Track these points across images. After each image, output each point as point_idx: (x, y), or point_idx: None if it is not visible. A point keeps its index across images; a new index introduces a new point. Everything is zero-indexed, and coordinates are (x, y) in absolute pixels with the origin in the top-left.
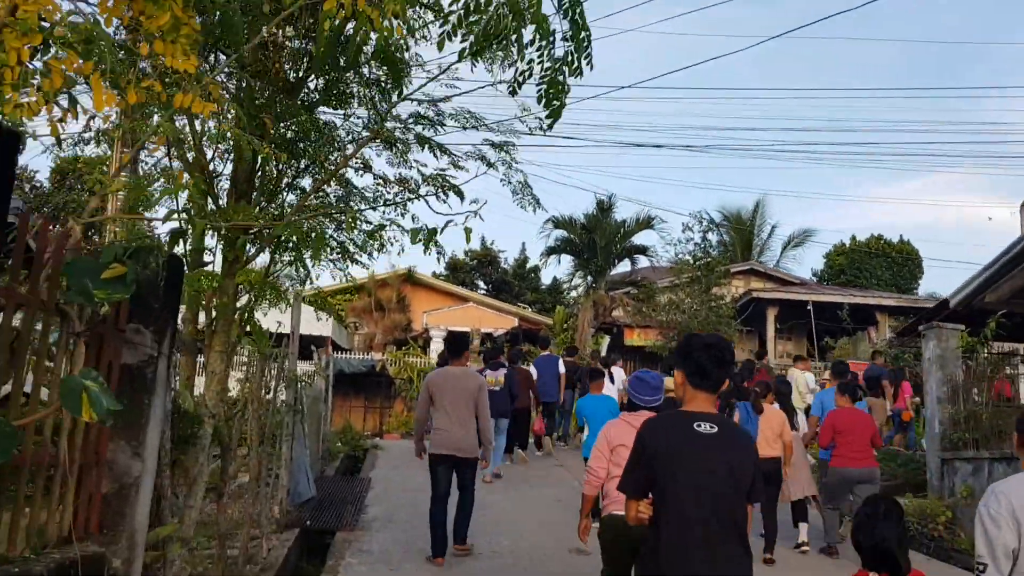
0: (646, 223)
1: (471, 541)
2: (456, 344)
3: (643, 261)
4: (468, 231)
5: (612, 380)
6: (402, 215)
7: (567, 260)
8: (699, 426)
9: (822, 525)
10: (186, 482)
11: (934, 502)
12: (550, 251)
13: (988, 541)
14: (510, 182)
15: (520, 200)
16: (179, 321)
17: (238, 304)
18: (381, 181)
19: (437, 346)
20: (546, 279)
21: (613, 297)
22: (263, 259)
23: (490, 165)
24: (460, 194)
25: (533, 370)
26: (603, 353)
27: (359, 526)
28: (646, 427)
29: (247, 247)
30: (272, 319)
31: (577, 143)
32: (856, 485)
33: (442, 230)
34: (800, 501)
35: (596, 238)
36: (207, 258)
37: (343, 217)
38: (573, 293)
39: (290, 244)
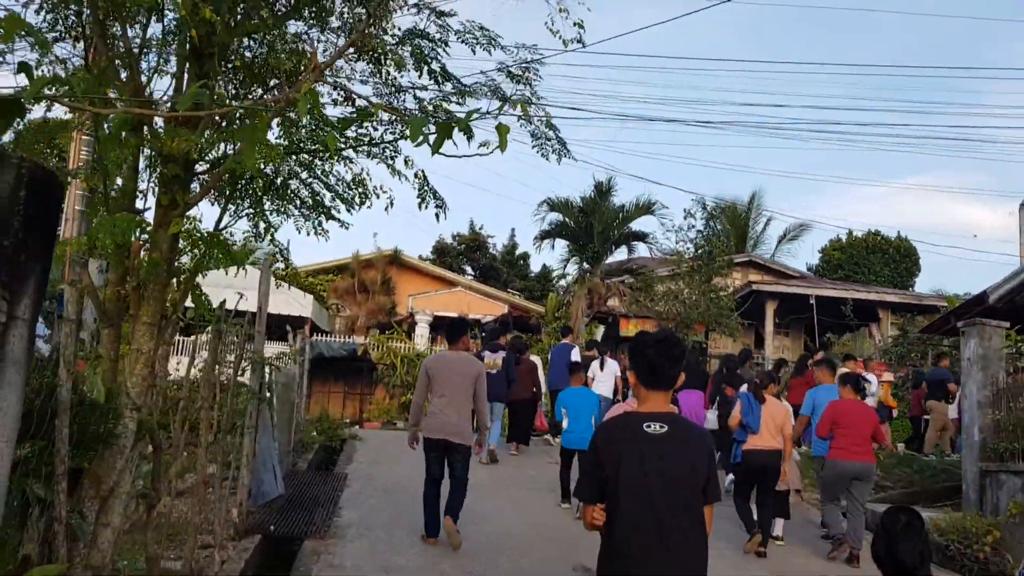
0: (646, 208)
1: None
2: (455, 329)
3: (642, 249)
4: (504, 132)
5: (602, 368)
6: (392, 158)
7: (561, 245)
8: (648, 427)
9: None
10: (98, 495)
11: (976, 519)
12: (544, 235)
13: None
14: (530, 121)
15: (541, 147)
16: (84, 277)
17: (182, 265)
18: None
19: (423, 331)
20: (535, 266)
21: (609, 285)
22: (212, 213)
23: (505, 100)
24: (468, 132)
25: (537, 360)
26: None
27: (331, 532)
28: (598, 433)
29: (189, 184)
30: (233, 290)
31: (581, 116)
32: (852, 481)
33: (468, 120)
34: (783, 494)
35: (593, 222)
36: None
37: (315, 158)
38: (563, 281)
39: (247, 187)
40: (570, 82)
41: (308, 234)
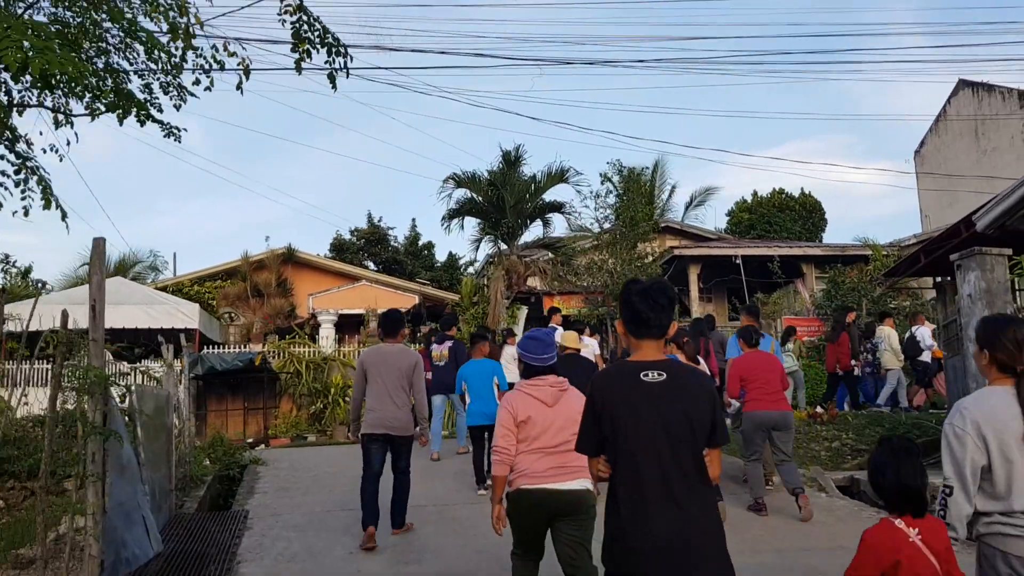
0: (559, 176)
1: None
2: (391, 321)
3: (559, 223)
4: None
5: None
6: None
7: (472, 225)
8: (647, 375)
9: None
10: None
11: None
12: (452, 214)
13: (955, 460)
14: None
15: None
16: None
17: None
18: None
19: (328, 332)
20: (441, 255)
21: (528, 263)
22: None
23: None
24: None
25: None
26: (520, 327)
27: None
28: (594, 384)
29: None
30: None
31: (488, 65)
32: (772, 431)
33: None
34: None
35: (505, 195)
36: None
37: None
38: (472, 269)
39: None
40: (473, 25)
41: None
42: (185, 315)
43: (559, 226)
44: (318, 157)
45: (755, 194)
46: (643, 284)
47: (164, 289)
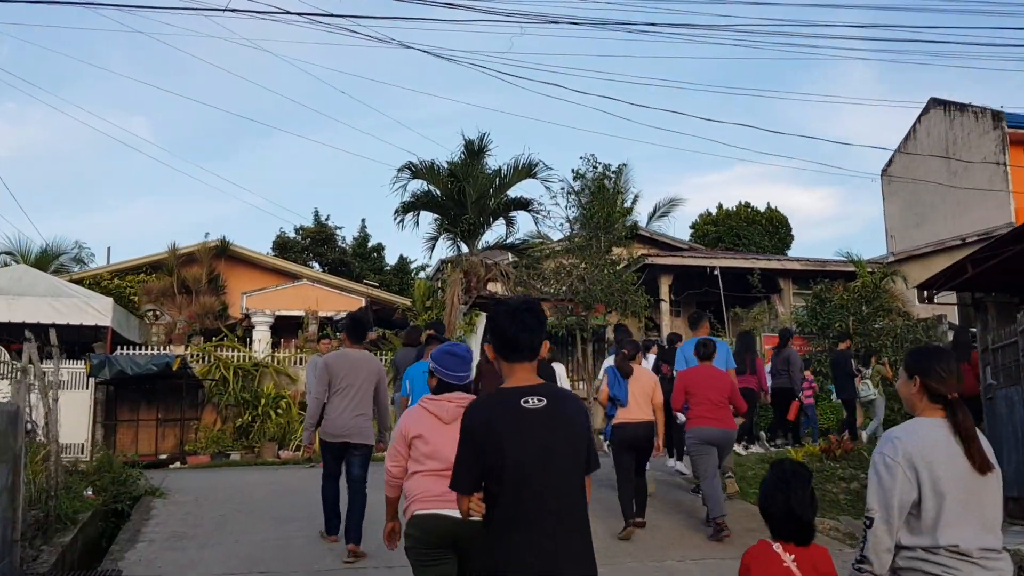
0: (527, 171)
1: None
2: (359, 325)
3: (524, 222)
4: None
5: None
6: None
7: (427, 221)
8: (526, 402)
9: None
10: None
11: None
12: (406, 207)
13: (882, 491)
14: None
15: None
16: None
17: None
18: None
19: (262, 335)
20: (391, 258)
21: (488, 265)
22: None
23: None
24: None
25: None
26: (478, 335)
27: None
28: (470, 414)
29: None
30: None
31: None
32: (715, 447)
33: None
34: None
35: (468, 188)
36: None
37: None
38: (422, 274)
39: None
40: None
41: None
42: (96, 310)
43: (524, 227)
44: (269, 154)
45: (720, 207)
46: (513, 304)
47: (80, 282)
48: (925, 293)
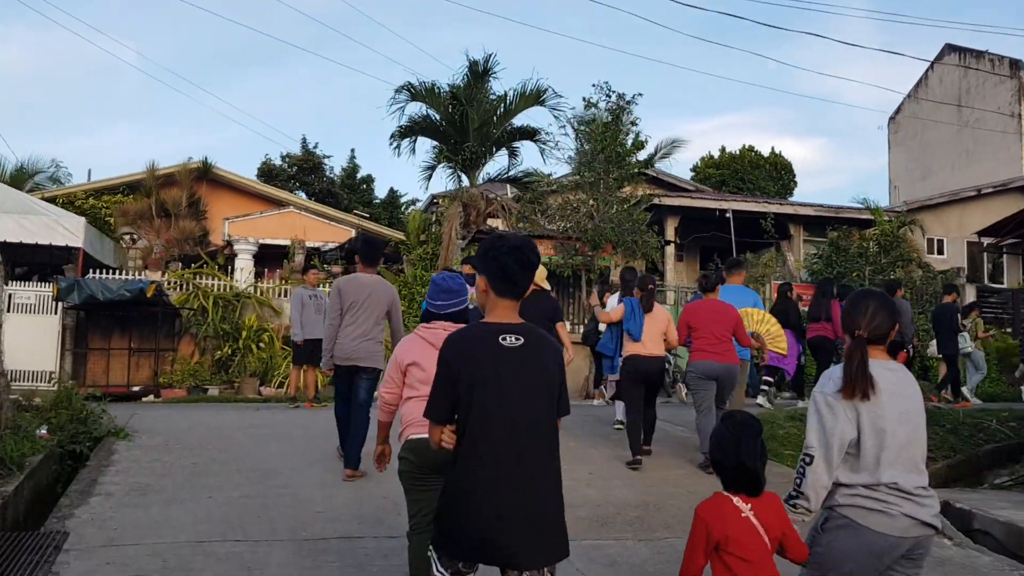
0: (535, 97)
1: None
2: (373, 248)
3: (528, 153)
4: None
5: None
6: None
7: (424, 148)
8: (504, 339)
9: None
10: None
11: None
12: (403, 132)
13: (822, 429)
14: None
15: None
16: None
17: None
18: None
19: (245, 263)
20: (381, 191)
21: (489, 199)
22: None
23: None
24: None
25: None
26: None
27: None
28: (447, 345)
29: None
30: None
31: None
32: (715, 382)
33: None
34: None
35: (470, 113)
36: None
37: None
38: (412, 208)
39: None
40: None
41: None
42: (67, 230)
43: (527, 159)
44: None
45: (723, 150)
46: (516, 241)
47: (52, 201)
48: (985, 242)
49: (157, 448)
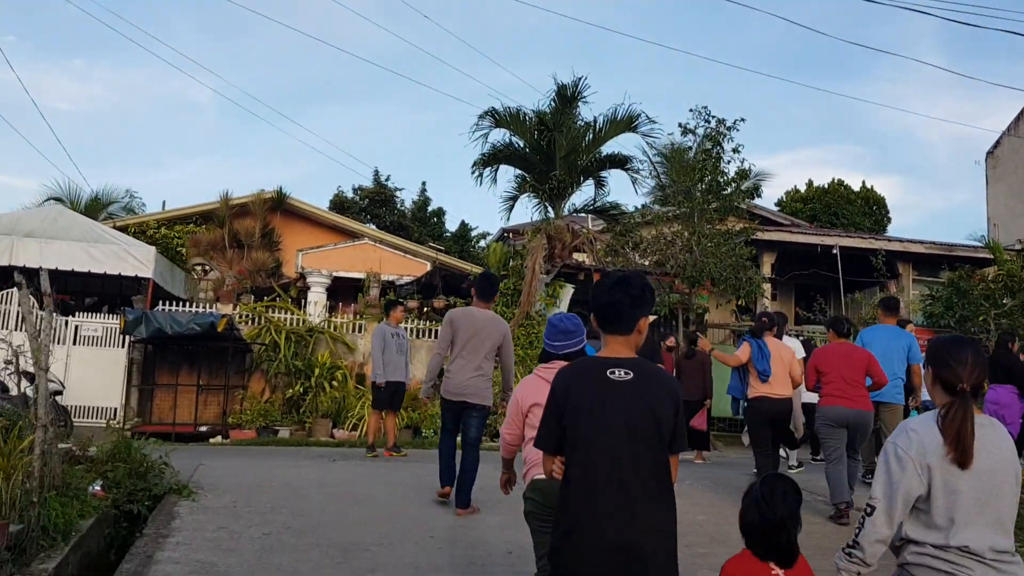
0: (626, 123)
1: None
2: (488, 284)
3: (617, 184)
4: None
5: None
6: None
7: (508, 179)
8: (613, 373)
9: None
10: None
11: None
12: (486, 160)
13: (889, 482)
14: None
15: None
16: None
17: None
18: None
19: (318, 296)
20: (452, 225)
21: (576, 231)
22: None
23: None
24: None
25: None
26: (564, 308)
27: None
28: (557, 377)
29: None
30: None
31: None
32: (846, 430)
33: None
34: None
35: (558, 139)
36: None
37: None
38: (483, 243)
39: None
40: None
41: None
42: (137, 260)
43: (617, 190)
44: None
45: (810, 184)
46: (618, 275)
47: (124, 230)
48: None
49: (224, 511)
